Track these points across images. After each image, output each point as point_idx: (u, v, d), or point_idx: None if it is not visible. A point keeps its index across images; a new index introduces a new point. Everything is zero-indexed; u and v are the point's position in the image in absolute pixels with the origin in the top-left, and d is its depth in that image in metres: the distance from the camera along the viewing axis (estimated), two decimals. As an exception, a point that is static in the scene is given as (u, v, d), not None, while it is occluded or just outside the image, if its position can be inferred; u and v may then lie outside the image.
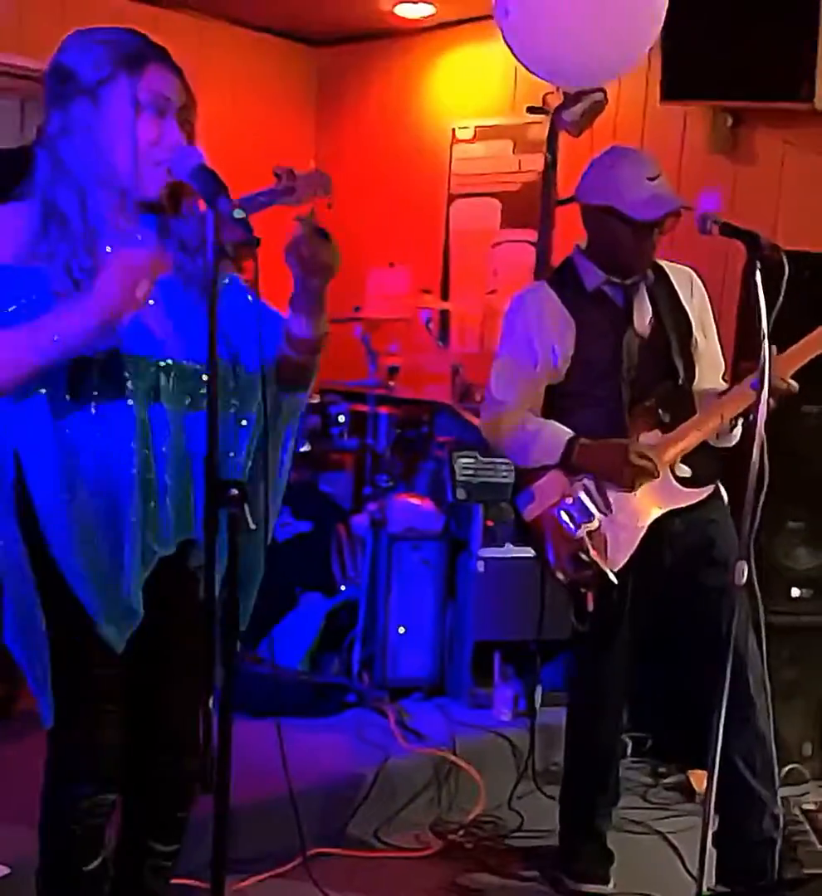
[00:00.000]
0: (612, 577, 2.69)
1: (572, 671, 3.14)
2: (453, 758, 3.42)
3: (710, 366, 2.91)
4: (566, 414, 2.83)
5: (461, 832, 3.22)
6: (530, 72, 3.57)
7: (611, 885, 2.98)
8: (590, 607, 2.82)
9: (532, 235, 4.47)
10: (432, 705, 3.79)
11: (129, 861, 2.16)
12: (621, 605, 2.81)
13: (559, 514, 2.73)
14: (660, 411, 2.79)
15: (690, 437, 2.76)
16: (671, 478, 2.77)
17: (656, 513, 2.76)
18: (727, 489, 2.87)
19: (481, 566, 3.82)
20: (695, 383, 2.86)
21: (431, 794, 3.37)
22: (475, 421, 3.93)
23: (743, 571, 2.39)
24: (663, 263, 2.91)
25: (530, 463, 2.83)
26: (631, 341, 2.82)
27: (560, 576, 2.77)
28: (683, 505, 2.78)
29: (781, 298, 2.36)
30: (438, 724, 3.62)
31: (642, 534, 2.75)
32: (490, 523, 3.81)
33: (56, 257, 1.84)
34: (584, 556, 2.70)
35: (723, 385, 2.88)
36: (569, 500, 2.74)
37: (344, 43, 5.64)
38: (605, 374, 2.80)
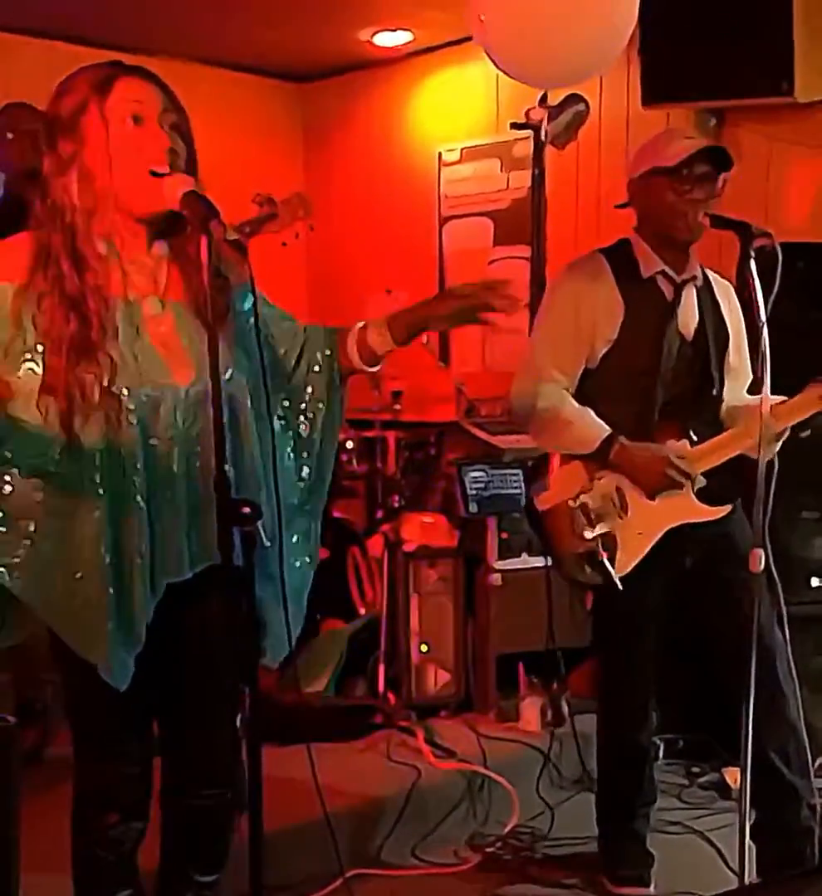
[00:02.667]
0: (617, 581, 2.67)
1: (599, 676, 3.11)
2: (484, 771, 3.40)
3: (738, 381, 2.85)
4: (593, 403, 2.74)
5: (499, 844, 3.20)
6: (507, 74, 3.56)
7: (652, 887, 2.95)
8: (588, 607, 2.85)
9: (525, 251, 4.47)
10: (460, 721, 3.78)
11: (171, 891, 2.15)
12: (644, 608, 2.79)
13: (575, 511, 2.69)
14: (690, 425, 2.73)
15: (719, 452, 2.70)
16: (692, 492, 2.71)
17: (670, 525, 2.72)
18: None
19: (498, 579, 3.81)
20: (724, 398, 2.82)
21: (465, 808, 3.35)
22: (482, 435, 3.94)
23: (760, 559, 2.37)
24: (708, 271, 2.86)
25: (558, 449, 2.77)
26: (673, 340, 2.75)
27: (563, 572, 2.76)
28: (698, 521, 2.73)
29: (777, 286, 2.35)
30: (467, 740, 3.61)
31: (652, 542, 2.71)
32: (505, 535, 3.79)
33: (45, 298, 1.83)
34: (594, 557, 2.67)
35: (748, 399, 2.80)
36: (586, 497, 2.70)
37: (327, 77, 5.68)
38: (642, 369, 2.73)
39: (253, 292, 1.90)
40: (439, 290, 5.41)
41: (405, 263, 5.45)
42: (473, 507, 3.79)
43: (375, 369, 2.12)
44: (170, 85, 1.94)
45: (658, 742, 3.56)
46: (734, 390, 2.85)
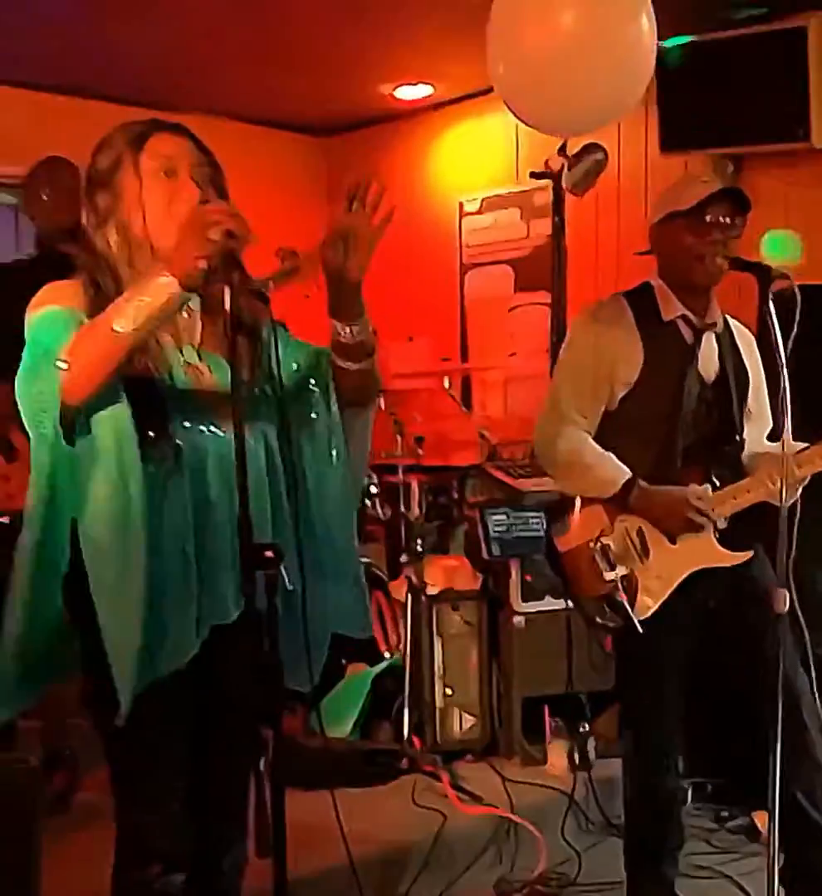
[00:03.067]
0: (637, 624, 2.66)
1: (623, 722, 3.08)
2: (511, 816, 3.38)
3: (758, 427, 2.84)
4: (613, 446, 2.75)
5: (526, 890, 3.17)
6: (526, 124, 3.61)
7: None
8: (608, 650, 2.83)
9: (546, 297, 4.50)
10: (485, 765, 3.76)
11: None
12: (666, 652, 2.76)
13: (595, 552, 2.70)
14: (712, 469, 2.72)
15: (741, 498, 2.69)
16: (713, 537, 2.71)
17: (691, 569, 2.70)
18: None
19: (521, 622, 3.81)
20: (746, 444, 2.82)
21: (492, 854, 3.32)
22: (504, 479, 3.95)
23: (785, 600, 2.36)
24: (730, 319, 2.87)
25: (579, 492, 2.78)
26: (693, 384, 2.74)
27: (583, 614, 2.75)
28: (719, 566, 2.71)
29: (795, 328, 2.36)
30: (493, 784, 3.58)
31: (674, 586, 2.70)
32: (528, 577, 3.79)
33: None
34: (614, 599, 2.67)
35: (769, 446, 2.80)
36: (607, 539, 2.70)
37: (349, 130, 5.77)
38: (662, 413, 2.73)
39: (273, 329, 1.92)
40: (460, 337, 5.47)
41: (428, 311, 5.50)
42: (495, 550, 3.79)
43: (359, 366, 2.07)
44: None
45: (686, 786, 3.53)
46: (755, 436, 2.84)
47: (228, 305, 1.74)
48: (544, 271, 4.37)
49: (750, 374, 2.84)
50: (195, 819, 2.08)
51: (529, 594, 3.80)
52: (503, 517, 3.80)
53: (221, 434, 1.92)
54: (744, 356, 2.84)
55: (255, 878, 2.12)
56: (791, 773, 2.49)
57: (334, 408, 2.07)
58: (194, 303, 1.96)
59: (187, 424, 1.91)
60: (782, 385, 2.32)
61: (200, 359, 1.96)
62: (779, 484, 2.45)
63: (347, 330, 2.03)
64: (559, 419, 2.78)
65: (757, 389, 2.85)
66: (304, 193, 5.81)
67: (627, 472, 2.71)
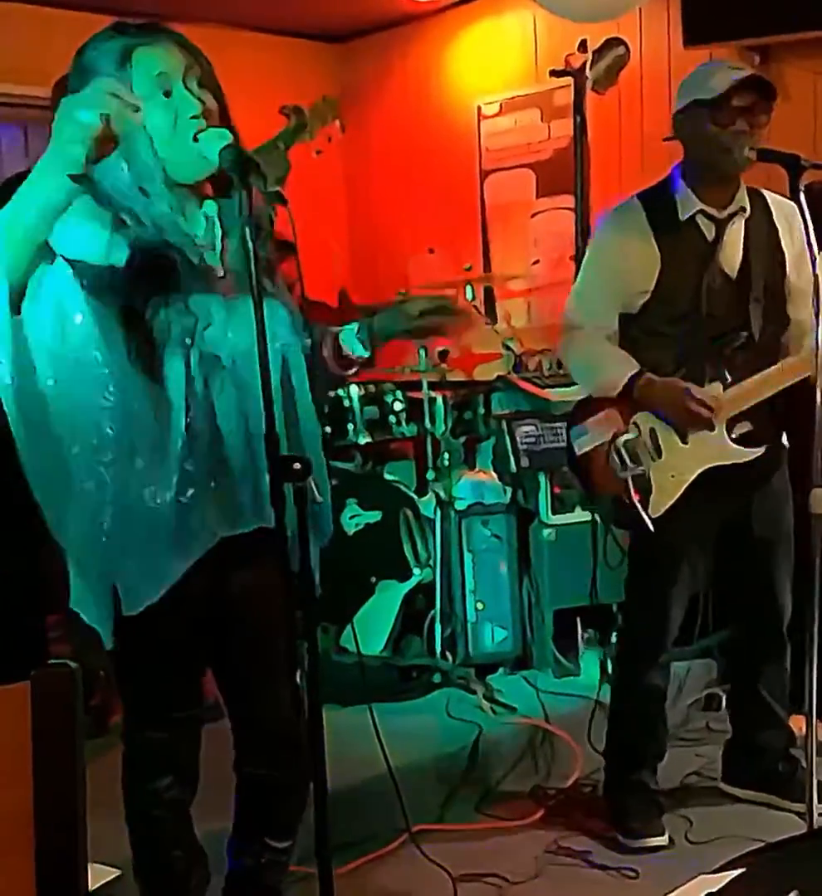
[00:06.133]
0: (649, 523, 2.73)
1: (624, 611, 3.16)
2: (546, 725, 3.43)
3: (801, 307, 2.77)
4: (635, 349, 2.80)
5: (562, 797, 3.21)
6: (548, 9, 3.50)
7: (666, 836, 2.91)
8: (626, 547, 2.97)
9: (569, 201, 4.43)
10: (519, 678, 3.81)
11: (246, 856, 2.18)
12: (674, 550, 2.82)
13: (609, 452, 2.76)
14: (726, 366, 2.73)
15: (752, 393, 2.71)
16: (726, 434, 2.74)
17: (704, 467, 2.75)
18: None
19: (551, 534, 3.83)
20: (789, 324, 2.81)
21: (527, 764, 3.37)
22: (532, 389, 3.94)
23: (820, 500, 2.36)
24: (767, 194, 2.83)
25: (593, 388, 2.86)
26: (714, 281, 2.75)
27: (600, 514, 2.89)
28: (734, 462, 2.75)
29: None
30: (527, 696, 3.64)
31: (686, 485, 2.75)
32: (557, 490, 3.80)
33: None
34: (625, 498, 2.74)
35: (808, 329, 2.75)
36: (621, 440, 2.77)
37: (362, 35, 5.66)
38: (682, 314, 2.76)
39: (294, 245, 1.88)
40: (482, 247, 5.41)
41: (447, 220, 5.44)
42: (524, 462, 3.80)
43: (350, 372, 2.11)
44: (207, 51, 1.92)
45: (721, 693, 3.56)
46: (799, 312, 2.80)
47: (247, 210, 1.68)
48: (567, 174, 4.30)
49: (791, 250, 2.79)
50: (240, 742, 2.13)
51: (558, 506, 3.83)
52: (532, 429, 3.81)
53: (240, 345, 1.88)
54: (783, 233, 2.80)
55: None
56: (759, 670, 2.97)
57: None
58: (212, 209, 1.94)
59: (205, 330, 1.87)
60: (814, 281, 2.29)
61: (222, 267, 1.92)
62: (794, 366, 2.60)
63: None
64: (576, 326, 2.86)
65: (799, 265, 2.74)
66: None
67: (634, 367, 2.75)
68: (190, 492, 1.86)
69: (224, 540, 1.92)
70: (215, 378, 1.89)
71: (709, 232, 2.76)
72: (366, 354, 2.07)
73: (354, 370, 2.12)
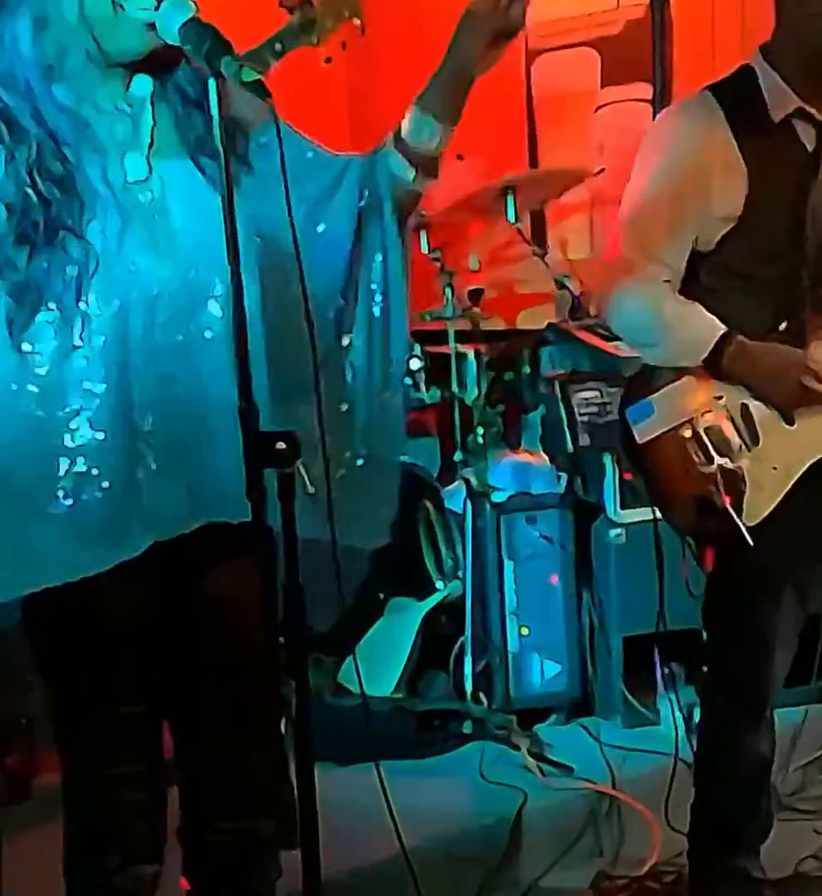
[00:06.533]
0: (746, 534, 2.68)
1: (709, 659, 3.12)
2: (613, 792, 3.44)
3: None
4: (709, 299, 2.76)
5: (634, 888, 3.21)
6: None
7: None
8: (707, 568, 2.92)
9: (646, 91, 4.43)
10: (576, 728, 3.83)
11: None
12: (779, 568, 2.77)
13: (687, 440, 2.70)
14: None
15: None
16: None
17: (816, 456, 2.75)
18: None
19: (621, 536, 3.82)
20: None
21: (588, 843, 3.38)
22: (595, 342, 3.92)
23: None
24: None
25: (659, 358, 2.80)
26: (820, 206, 2.74)
27: (674, 523, 2.84)
28: None
29: None
30: (587, 753, 3.65)
31: (792, 481, 2.73)
32: (629, 476, 3.78)
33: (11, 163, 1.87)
34: (713, 500, 2.69)
35: None
36: (704, 421, 2.72)
37: None
38: (777, 250, 2.74)
39: (276, 125, 1.86)
40: (529, 148, 5.39)
41: (481, 116, 5.34)
42: (584, 440, 3.81)
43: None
44: None
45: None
46: None
47: (215, 106, 1.70)
48: (642, 55, 4.31)
49: None
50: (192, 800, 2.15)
51: (630, 499, 3.81)
52: (595, 395, 3.81)
53: (168, 282, 1.91)
54: None
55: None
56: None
57: None
58: (144, 87, 1.94)
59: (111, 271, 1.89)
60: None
61: (150, 172, 1.94)
62: None
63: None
64: (629, 270, 2.80)
65: None
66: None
67: (720, 327, 2.73)
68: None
69: (168, 543, 1.93)
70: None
71: (810, 140, 2.74)
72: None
73: None
